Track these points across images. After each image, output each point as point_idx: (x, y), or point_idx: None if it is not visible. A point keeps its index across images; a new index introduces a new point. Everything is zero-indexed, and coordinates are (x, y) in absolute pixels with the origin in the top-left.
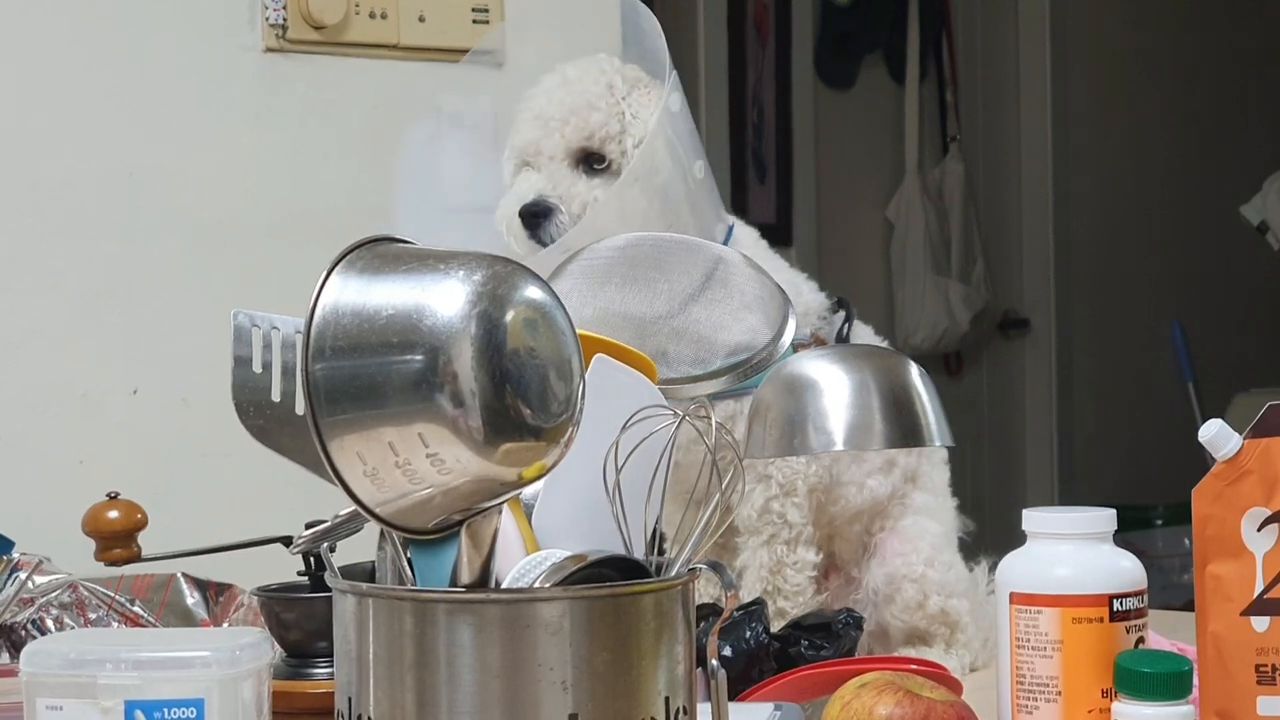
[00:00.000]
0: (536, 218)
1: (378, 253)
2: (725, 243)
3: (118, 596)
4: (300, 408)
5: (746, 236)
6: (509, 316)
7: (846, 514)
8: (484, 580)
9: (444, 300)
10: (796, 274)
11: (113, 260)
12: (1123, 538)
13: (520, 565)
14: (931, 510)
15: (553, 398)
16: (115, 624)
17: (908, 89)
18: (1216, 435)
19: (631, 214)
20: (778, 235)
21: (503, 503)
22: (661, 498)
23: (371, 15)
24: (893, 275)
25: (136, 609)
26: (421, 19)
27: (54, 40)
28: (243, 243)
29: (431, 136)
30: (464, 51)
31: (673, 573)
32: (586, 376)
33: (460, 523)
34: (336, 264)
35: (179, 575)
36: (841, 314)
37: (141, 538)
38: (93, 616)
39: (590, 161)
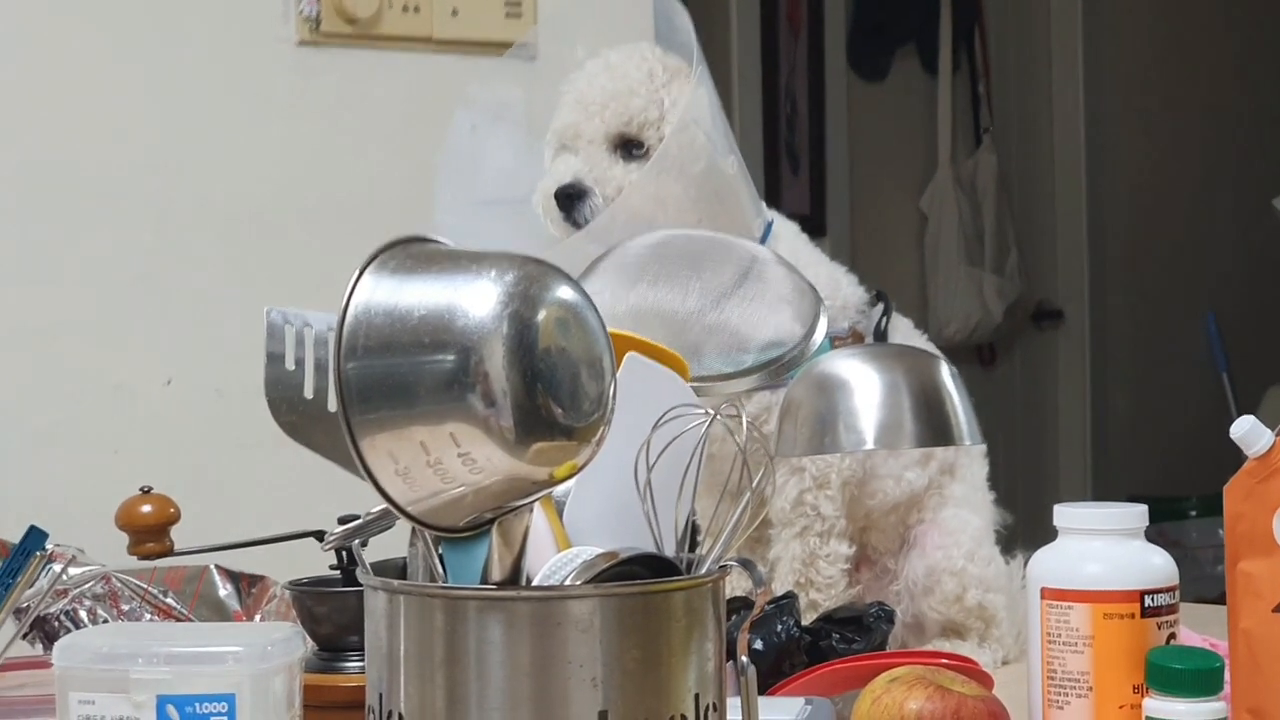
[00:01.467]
0: (571, 199)
1: (410, 252)
2: (764, 237)
3: (150, 588)
4: (333, 405)
5: (786, 231)
6: (540, 316)
7: (884, 506)
8: (515, 578)
9: (476, 300)
10: (836, 268)
11: (147, 251)
12: (1156, 529)
13: (551, 563)
14: (970, 502)
15: (584, 397)
16: (148, 615)
17: (941, 80)
18: (1248, 432)
19: (667, 199)
20: (811, 227)
21: (534, 501)
22: (693, 496)
23: (405, 9)
24: (926, 266)
25: (169, 601)
26: (454, 12)
27: (88, 34)
28: (276, 234)
29: (474, 127)
30: (497, 44)
31: (703, 570)
32: (618, 375)
33: (491, 521)
34: (369, 263)
35: (211, 567)
36: (880, 307)
37: (176, 526)
38: (125, 608)
39: (629, 147)
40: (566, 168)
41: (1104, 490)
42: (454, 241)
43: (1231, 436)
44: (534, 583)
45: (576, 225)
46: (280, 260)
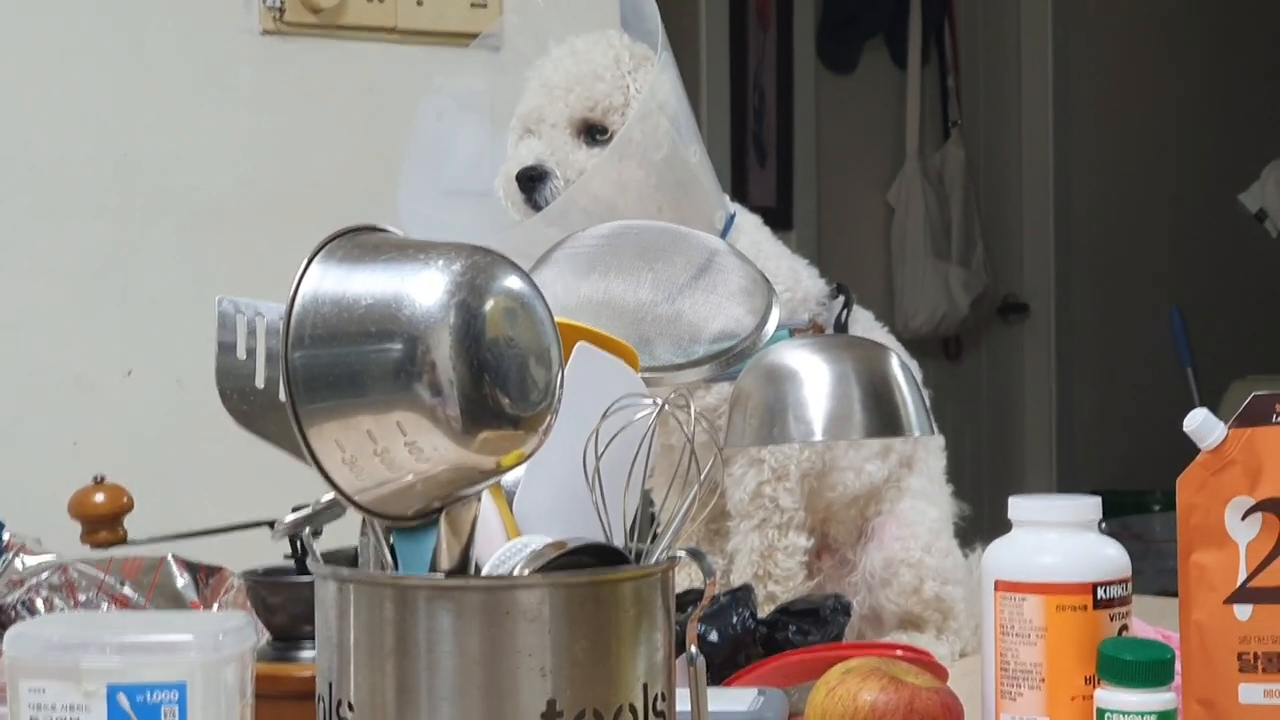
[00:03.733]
0: (532, 181)
1: (358, 242)
2: (727, 229)
3: (107, 578)
4: (284, 395)
5: (749, 224)
6: (488, 306)
7: (844, 499)
8: (464, 567)
9: (423, 290)
10: (797, 260)
11: (108, 242)
12: (1121, 522)
13: (500, 552)
14: (928, 495)
15: (531, 386)
16: (105, 605)
17: (909, 73)
18: (1201, 425)
19: (628, 185)
20: (778, 219)
21: (481, 490)
22: (641, 486)
23: None
24: (893, 259)
25: (126, 591)
26: (419, 2)
27: (51, 23)
28: (238, 225)
29: (439, 115)
30: (462, 35)
31: (652, 560)
32: (568, 365)
33: (440, 510)
34: (317, 253)
35: (169, 557)
36: (841, 300)
37: (136, 517)
38: (82, 598)
39: (592, 132)
40: (529, 150)
41: (1069, 483)
42: (417, 231)
43: (1185, 430)
44: (483, 572)
45: (537, 207)
46: (242, 251)
